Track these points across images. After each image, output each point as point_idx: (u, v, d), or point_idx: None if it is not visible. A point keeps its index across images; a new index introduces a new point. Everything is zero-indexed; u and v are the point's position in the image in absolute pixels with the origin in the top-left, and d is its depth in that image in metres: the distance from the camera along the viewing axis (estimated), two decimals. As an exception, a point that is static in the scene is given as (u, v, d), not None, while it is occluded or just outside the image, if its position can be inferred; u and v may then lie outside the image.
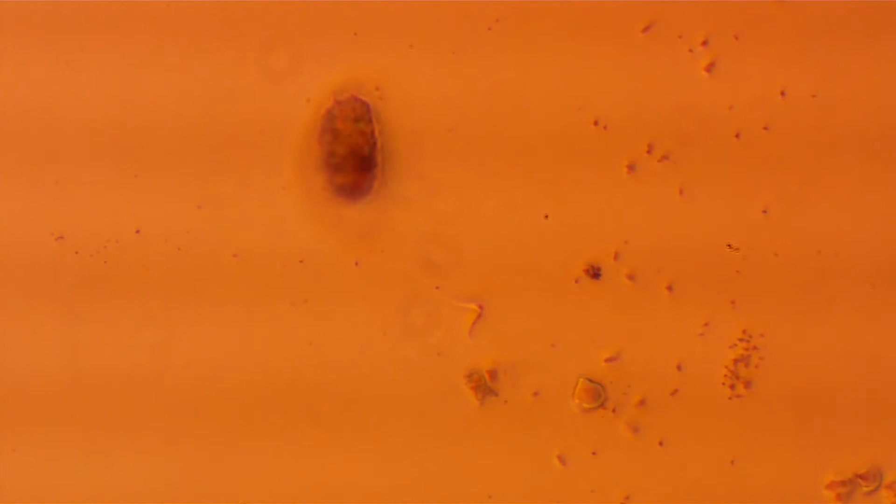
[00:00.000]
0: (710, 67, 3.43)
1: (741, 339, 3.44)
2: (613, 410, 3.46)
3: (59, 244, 3.40)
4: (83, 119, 3.40)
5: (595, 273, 3.44)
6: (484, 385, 3.44)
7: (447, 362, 3.43)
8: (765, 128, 3.43)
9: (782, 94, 3.43)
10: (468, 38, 3.42)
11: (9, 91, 3.40)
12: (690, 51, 3.44)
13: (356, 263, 3.42)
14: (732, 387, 3.44)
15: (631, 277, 3.44)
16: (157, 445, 3.41)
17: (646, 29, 3.42)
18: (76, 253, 3.40)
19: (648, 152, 3.43)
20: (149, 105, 3.41)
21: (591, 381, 3.45)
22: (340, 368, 3.41)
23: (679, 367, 3.44)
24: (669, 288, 3.43)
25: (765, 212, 3.43)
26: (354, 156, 3.41)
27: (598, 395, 3.45)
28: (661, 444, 3.45)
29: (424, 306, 3.43)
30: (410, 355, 3.43)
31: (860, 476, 3.45)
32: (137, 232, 3.41)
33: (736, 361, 3.44)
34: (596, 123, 3.42)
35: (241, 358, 3.40)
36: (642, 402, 3.45)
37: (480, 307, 3.44)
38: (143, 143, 3.41)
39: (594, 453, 3.46)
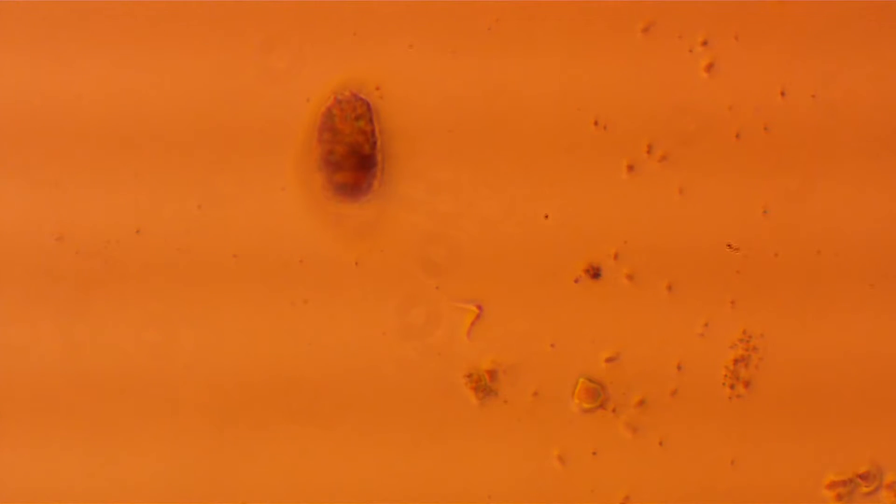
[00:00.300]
0: (709, 68, 3.43)
1: (741, 340, 3.44)
2: (613, 410, 3.45)
3: (59, 244, 3.40)
4: (83, 119, 3.40)
5: (595, 273, 3.43)
6: (484, 385, 3.43)
7: (447, 362, 3.43)
8: (765, 128, 3.43)
9: (782, 94, 3.44)
10: (468, 38, 3.42)
11: (9, 92, 3.40)
12: (690, 51, 3.43)
13: (356, 263, 3.42)
14: (732, 387, 3.44)
15: (631, 277, 3.44)
16: (157, 446, 3.40)
17: (646, 29, 3.42)
18: (76, 253, 3.40)
19: (648, 152, 3.43)
20: (149, 105, 3.40)
21: (591, 381, 3.45)
22: (340, 368, 3.41)
23: (679, 368, 3.44)
24: (669, 288, 3.43)
25: (765, 212, 3.43)
26: (354, 154, 3.41)
27: (597, 395, 3.45)
28: (661, 444, 3.44)
29: (424, 306, 3.43)
30: (410, 355, 3.42)
31: (860, 476, 3.45)
32: (137, 232, 3.41)
33: (736, 362, 3.44)
34: (596, 123, 3.42)
35: (241, 358, 3.40)
36: (642, 403, 3.45)
37: (479, 308, 3.43)
38: (144, 143, 3.41)
39: (594, 453, 3.46)
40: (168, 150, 3.40)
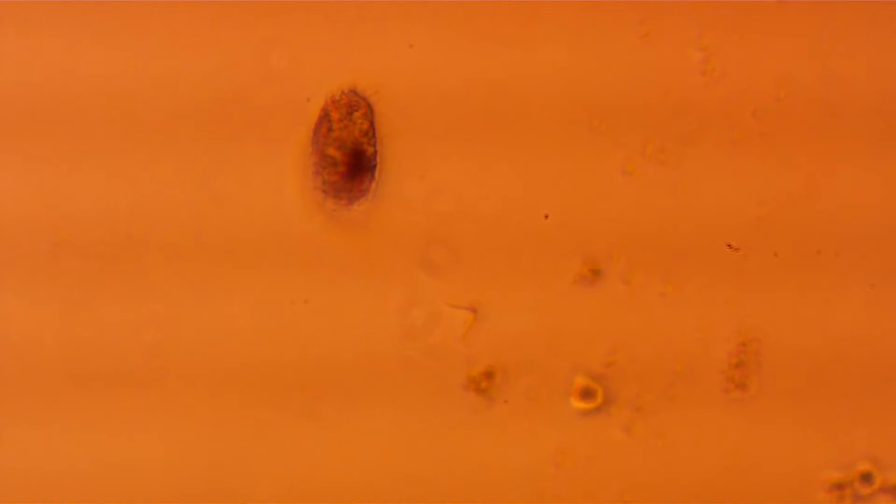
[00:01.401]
0: (708, 68, 3.43)
1: (740, 341, 3.44)
2: (612, 411, 3.44)
3: (58, 244, 3.40)
4: (83, 120, 3.40)
5: (594, 274, 3.43)
6: (483, 385, 3.43)
7: (447, 362, 3.43)
8: (763, 128, 3.43)
9: (781, 94, 3.43)
10: (468, 37, 3.41)
11: (10, 93, 3.40)
12: (689, 51, 3.43)
13: (356, 264, 3.42)
14: (731, 388, 3.44)
15: (629, 278, 3.44)
16: (157, 446, 3.40)
17: (645, 30, 3.42)
18: (76, 253, 3.40)
19: (647, 153, 3.43)
20: (149, 105, 3.40)
21: (589, 381, 3.44)
22: (340, 368, 3.41)
23: (678, 368, 3.43)
24: (668, 288, 3.43)
25: (764, 212, 3.43)
26: (353, 154, 3.41)
27: (596, 395, 3.44)
28: (659, 444, 3.44)
29: (424, 306, 3.42)
30: (410, 355, 3.42)
31: (859, 477, 3.45)
32: (137, 232, 3.41)
33: (734, 362, 3.44)
34: (595, 124, 3.42)
35: (241, 358, 3.40)
36: (641, 403, 3.44)
37: (474, 312, 3.43)
38: (143, 143, 3.41)
39: (592, 454, 3.45)
40: (168, 150, 3.40)
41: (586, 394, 3.45)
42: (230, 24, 3.40)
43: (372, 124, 3.41)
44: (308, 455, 3.42)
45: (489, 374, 3.44)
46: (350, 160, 3.41)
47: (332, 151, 3.41)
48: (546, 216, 3.42)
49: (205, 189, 3.41)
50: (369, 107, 3.41)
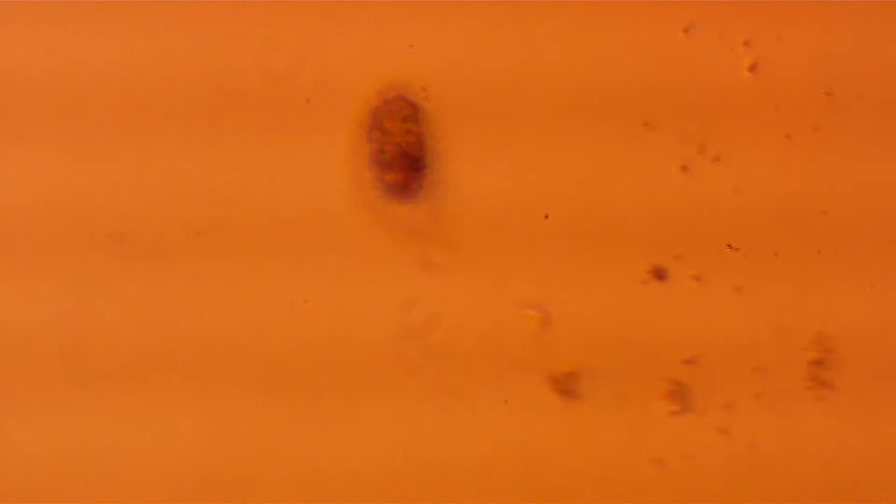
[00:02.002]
0: (752, 68, 3.38)
1: (815, 341, 3.37)
2: (700, 411, 3.40)
3: (61, 244, 3.46)
4: (81, 121, 3.48)
5: (660, 275, 3.39)
6: (567, 387, 3.41)
7: (447, 362, 3.42)
8: (814, 128, 3.37)
9: (827, 93, 3.37)
10: (469, 37, 3.41)
11: (8, 92, 3.51)
12: (732, 51, 3.38)
13: (356, 262, 3.43)
14: (814, 387, 3.37)
15: (698, 279, 3.39)
16: (157, 446, 3.43)
17: (687, 29, 3.39)
18: (76, 252, 3.46)
19: (701, 153, 3.39)
20: (149, 105, 3.47)
21: (672, 383, 3.39)
22: (340, 368, 3.42)
23: (757, 369, 3.38)
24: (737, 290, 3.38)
25: (824, 213, 3.36)
26: (407, 155, 3.42)
27: (680, 396, 3.39)
28: (754, 443, 3.38)
29: (424, 306, 3.43)
30: (410, 355, 3.43)
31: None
32: (137, 232, 3.45)
33: (812, 362, 3.37)
34: (646, 124, 3.39)
35: (241, 358, 3.42)
36: (727, 403, 3.39)
37: (543, 313, 3.41)
38: (144, 143, 3.47)
39: (684, 456, 3.41)
40: (168, 150, 3.46)
41: (668, 395, 3.41)
42: (230, 24, 3.46)
43: (420, 125, 3.43)
44: (308, 454, 3.43)
45: (569, 377, 3.42)
46: (406, 161, 3.43)
47: (383, 149, 3.43)
48: (546, 216, 3.40)
49: (204, 189, 3.45)
50: (417, 107, 3.43)
